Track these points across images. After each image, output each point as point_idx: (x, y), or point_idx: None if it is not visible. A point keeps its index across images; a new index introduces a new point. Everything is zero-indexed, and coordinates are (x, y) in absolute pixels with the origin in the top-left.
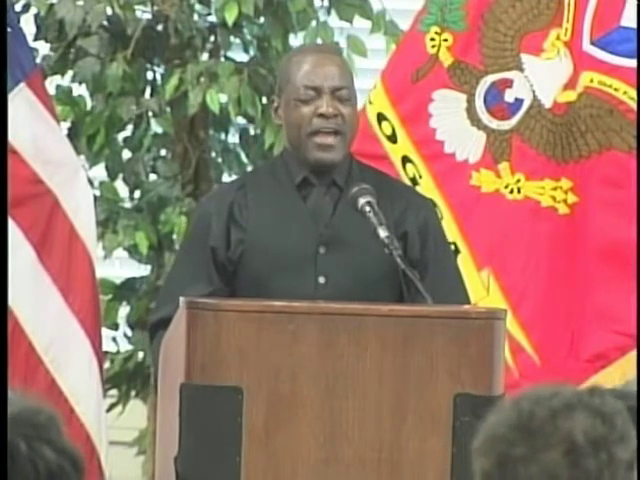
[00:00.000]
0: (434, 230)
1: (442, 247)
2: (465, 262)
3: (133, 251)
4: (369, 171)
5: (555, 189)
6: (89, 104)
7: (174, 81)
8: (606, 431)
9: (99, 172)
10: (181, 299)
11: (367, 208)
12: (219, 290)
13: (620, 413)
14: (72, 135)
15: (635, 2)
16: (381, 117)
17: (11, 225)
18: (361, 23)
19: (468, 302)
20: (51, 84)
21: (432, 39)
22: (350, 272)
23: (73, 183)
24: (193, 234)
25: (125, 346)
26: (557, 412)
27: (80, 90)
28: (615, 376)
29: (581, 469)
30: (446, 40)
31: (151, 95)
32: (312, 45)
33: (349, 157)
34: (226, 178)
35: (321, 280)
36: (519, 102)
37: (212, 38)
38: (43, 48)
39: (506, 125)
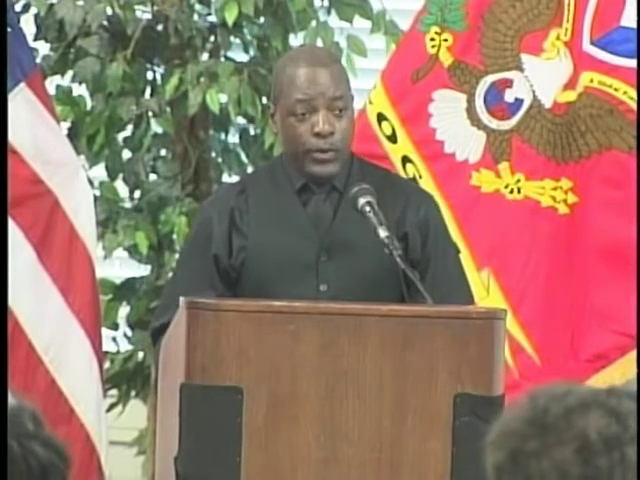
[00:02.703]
0: (435, 227)
1: (443, 244)
2: (465, 262)
3: (133, 251)
4: (369, 169)
5: (555, 189)
6: (89, 104)
7: (174, 81)
8: (620, 431)
9: (99, 172)
10: (181, 299)
11: (367, 208)
12: (224, 296)
13: (633, 414)
14: (72, 135)
15: (635, 2)
16: (381, 117)
17: (11, 225)
18: (361, 23)
19: (471, 299)
20: (51, 84)
21: (432, 39)
22: (351, 279)
23: (73, 183)
24: (195, 240)
25: (125, 346)
26: (572, 409)
27: (80, 90)
28: (615, 376)
29: (592, 467)
30: (446, 40)
31: (151, 95)
32: (306, 52)
33: (349, 157)
34: (226, 178)
35: (322, 288)
36: (519, 102)
37: (212, 38)
38: (43, 48)
39: (506, 125)
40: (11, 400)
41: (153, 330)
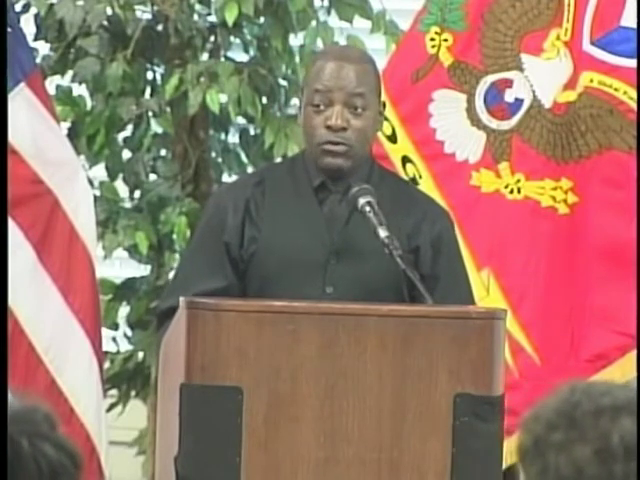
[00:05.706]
0: (448, 244)
1: (455, 262)
2: (465, 262)
3: (133, 251)
4: (390, 178)
5: (555, 189)
6: (89, 104)
7: (174, 81)
8: None
9: (99, 172)
10: (181, 299)
11: (367, 208)
12: (234, 286)
13: None
14: (72, 135)
15: (635, 2)
16: None
17: (11, 225)
18: (361, 23)
19: None
20: (51, 84)
21: (432, 39)
22: (358, 284)
23: (73, 183)
24: (209, 226)
25: (125, 346)
26: (603, 410)
27: (80, 90)
28: (615, 376)
29: (608, 470)
30: (446, 40)
31: (151, 95)
32: (339, 49)
33: (369, 163)
34: (226, 178)
35: (328, 290)
36: (519, 102)
37: (212, 38)
38: (43, 48)
39: (506, 125)
40: (26, 400)
41: (160, 312)
